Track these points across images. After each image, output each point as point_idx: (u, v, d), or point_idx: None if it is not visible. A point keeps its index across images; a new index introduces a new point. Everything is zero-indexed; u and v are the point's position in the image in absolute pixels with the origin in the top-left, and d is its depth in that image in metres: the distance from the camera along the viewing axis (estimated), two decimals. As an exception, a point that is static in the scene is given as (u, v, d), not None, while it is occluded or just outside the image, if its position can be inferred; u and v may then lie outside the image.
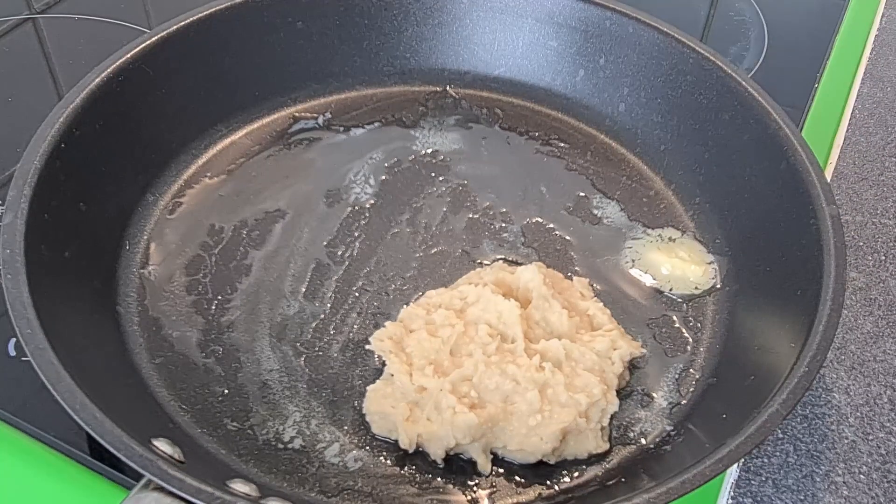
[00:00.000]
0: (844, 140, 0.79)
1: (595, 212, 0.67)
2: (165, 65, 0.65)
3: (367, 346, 0.55)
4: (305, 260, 0.62)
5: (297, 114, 0.73)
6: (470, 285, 0.57)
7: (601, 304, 0.59)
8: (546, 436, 0.50)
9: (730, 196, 0.65)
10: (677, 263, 0.64)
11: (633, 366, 0.57)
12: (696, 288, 0.62)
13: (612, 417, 0.53)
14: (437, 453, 0.51)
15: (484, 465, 0.51)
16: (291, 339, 0.58)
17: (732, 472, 0.55)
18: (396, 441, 0.52)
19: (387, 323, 0.56)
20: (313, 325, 0.58)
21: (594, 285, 0.62)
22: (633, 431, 0.54)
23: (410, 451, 0.51)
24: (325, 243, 0.64)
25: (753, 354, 0.55)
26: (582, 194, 0.69)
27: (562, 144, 0.73)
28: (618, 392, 0.54)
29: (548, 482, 0.51)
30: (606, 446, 0.53)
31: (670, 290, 0.62)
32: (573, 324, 0.55)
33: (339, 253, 0.63)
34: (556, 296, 0.57)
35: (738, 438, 0.44)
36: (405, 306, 0.58)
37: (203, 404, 0.54)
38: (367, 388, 0.54)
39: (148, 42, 0.63)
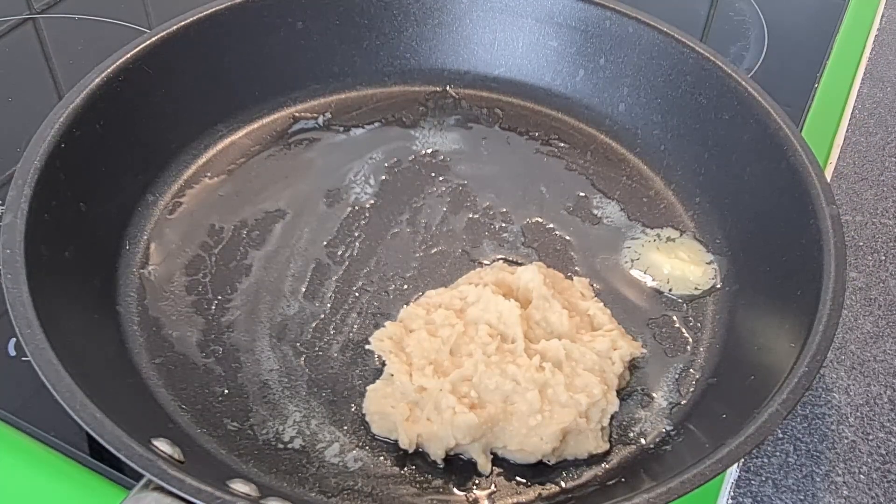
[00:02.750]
0: (844, 140, 0.79)
1: (595, 212, 0.67)
2: (165, 65, 0.65)
3: (366, 346, 0.55)
4: (305, 260, 0.62)
5: (297, 114, 0.73)
6: (470, 285, 0.57)
7: (601, 304, 0.59)
8: (546, 436, 0.50)
9: (730, 196, 0.65)
10: (677, 263, 0.64)
11: (633, 366, 0.57)
12: (696, 288, 0.62)
13: (612, 417, 0.53)
14: (437, 453, 0.51)
15: (484, 465, 0.51)
16: (291, 339, 0.58)
17: (732, 472, 0.55)
18: (396, 441, 0.52)
19: (387, 323, 0.56)
20: (313, 325, 0.58)
21: (594, 285, 0.62)
22: (633, 431, 0.54)
23: (410, 451, 0.51)
24: (325, 243, 0.64)
25: (753, 354, 0.55)
26: (582, 194, 0.69)
27: (562, 144, 0.73)
28: (618, 392, 0.54)
29: (548, 482, 0.51)
30: (606, 446, 0.53)
31: (670, 290, 0.62)
32: (573, 324, 0.55)
33: (339, 253, 0.63)
34: (556, 296, 0.56)
35: (738, 438, 0.44)
36: (405, 306, 0.58)
37: (203, 404, 0.54)
38: (367, 388, 0.54)
39: (148, 42, 0.63)
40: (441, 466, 0.51)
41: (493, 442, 0.51)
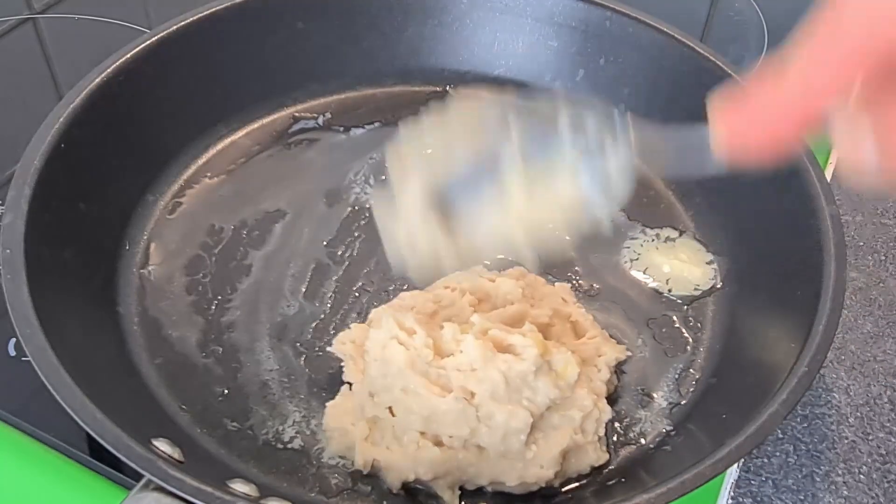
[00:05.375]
0: (844, 140, 0.79)
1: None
2: (165, 65, 0.65)
3: (327, 349, 0.54)
4: (305, 260, 0.62)
5: (297, 114, 0.73)
6: (446, 289, 0.55)
7: (583, 309, 0.57)
8: (546, 462, 0.48)
9: (730, 196, 0.65)
10: (677, 264, 0.64)
11: (619, 370, 0.56)
12: (696, 288, 0.62)
13: (606, 426, 0.52)
14: (393, 483, 0.48)
15: (450, 501, 0.48)
16: (291, 339, 0.58)
17: (732, 472, 0.55)
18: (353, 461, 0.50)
19: (352, 324, 0.55)
20: (313, 325, 0.58)
21: (594, 285, 0.62)
22: (633, 431, 0.54)
23: (365, 472, 0.49)
24: (325, 243, 0.64)
25: (753, 354, 0.55)
26: (582, 194, 0.69)
27: (562, 144, 0.72)
28: (607, 398, 0.52)
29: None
30: (606, 456, 0.51)
31: (670, 290, 0.62)
32: (554, 333, 0.54)
33: (339, 253, 0.63)
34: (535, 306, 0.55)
35: (738, 438, 0.44)
36: (375, 305, 0.56)
37: (203, 404, 0.54)
38: (327, 404, 0.52)
39: (148, 42, 0.63)
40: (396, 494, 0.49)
41: (474, 479, 0.48)
